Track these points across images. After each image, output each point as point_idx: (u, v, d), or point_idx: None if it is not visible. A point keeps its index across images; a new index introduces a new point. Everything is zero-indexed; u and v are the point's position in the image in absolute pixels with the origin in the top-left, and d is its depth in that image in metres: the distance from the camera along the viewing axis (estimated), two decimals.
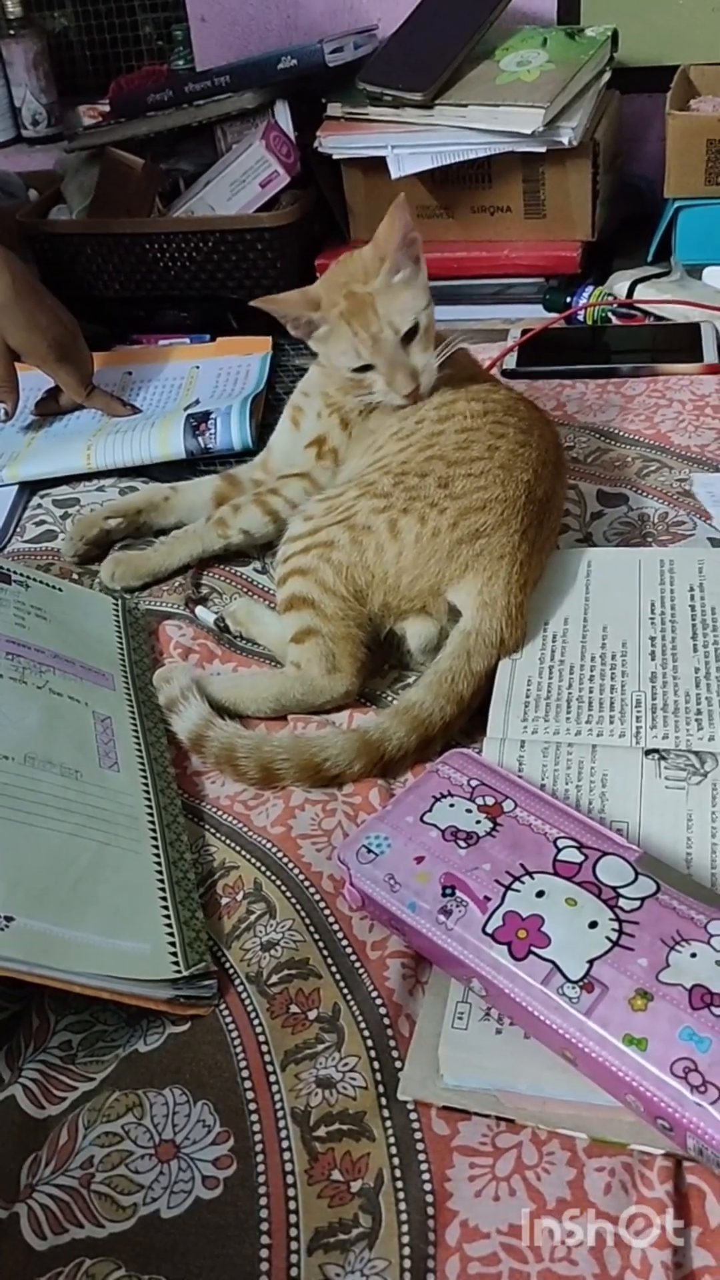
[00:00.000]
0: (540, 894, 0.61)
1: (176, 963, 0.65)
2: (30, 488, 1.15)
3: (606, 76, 1.40)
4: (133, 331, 1.44)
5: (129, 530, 1.05)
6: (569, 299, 1.37)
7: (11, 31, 1.72)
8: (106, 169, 1.44)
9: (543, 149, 1.31)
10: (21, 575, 0.90)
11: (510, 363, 1.25)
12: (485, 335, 1.31)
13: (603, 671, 0.79)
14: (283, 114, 1.40)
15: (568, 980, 0.57)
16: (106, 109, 1.71)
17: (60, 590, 0.92)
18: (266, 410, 1.21)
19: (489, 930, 0.60)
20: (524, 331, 1.29)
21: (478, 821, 0.66)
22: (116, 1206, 0.57)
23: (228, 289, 1.43)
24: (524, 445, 0.89)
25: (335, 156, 1.40)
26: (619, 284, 1.34)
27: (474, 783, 0.69)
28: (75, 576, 1.01)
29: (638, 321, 1.33)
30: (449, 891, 0.63)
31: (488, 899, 0.62)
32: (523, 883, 0.62)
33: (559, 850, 0.63)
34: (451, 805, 0.67)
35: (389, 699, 0.86)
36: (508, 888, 0.62)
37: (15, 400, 1.20)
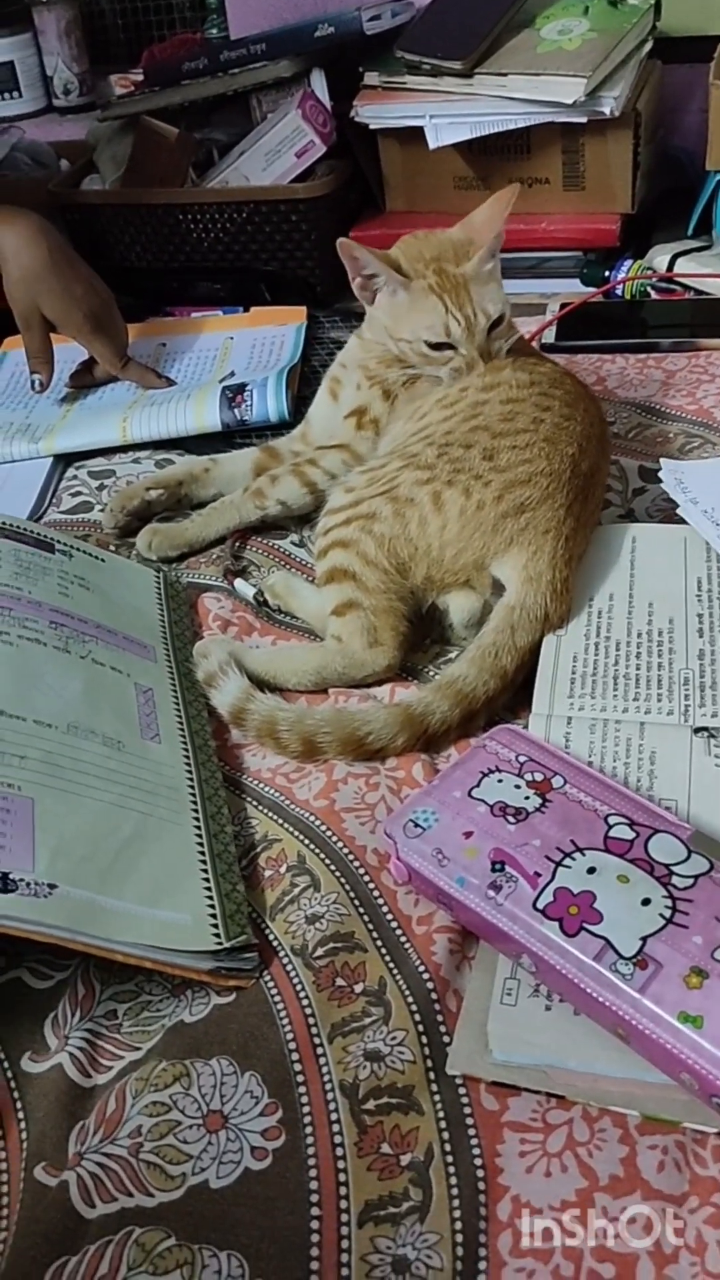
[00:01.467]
0: (591, 870, 0.61)
1: (218, 934, 0.65)
2: (66, 460, 1.14)
3: (648, 46, 1.37)
4: (165, 304, 1.43)
5: (169, 502, 1.04)
6: (607, 273, 1.35)
7: (43, 0, 1.70)
8: (140, 138, 1.43)
9: (583, 119, 1.29)
10: (65, 545, 0.89)
11: (549, 337, 1.23)
12: (521, 310, 1.29)
13: (649, 649, 0.78)
14: (319, 83, 1.39)
15: (621, 957, 0.57)
16: (138, 78, 1.69)
17: (103, 561, 0.92)
18: (301, 383, 1.20)
19: (540, 906, 0.60)
20: (562, 305, 1.28)
21: (526, 797, 0.65)
22: (165, 1176, 0.57)
23: (261, 261, 1.42)
24: (569, 419, 0.88)
25: (372, 126, 1.39)
26: (659, 258, 1.32)
27: (522, 758, 0.68)
28: (113, 548, 1.00)
29: (677, 296, 1.31)
30: (499, 867, 0.62)
31: (538, 875, 0.61)
32: (574, 859, 0.61)
33: (610, 827, 0.63)
34: (500, 781, 0.67)
35: (430, 673, 0.85)
36: (558, 864, 0.61)
37: (50, 372, 1.19)
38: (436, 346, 0.93)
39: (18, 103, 1.78)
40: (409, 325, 0.93)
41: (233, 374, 1.22)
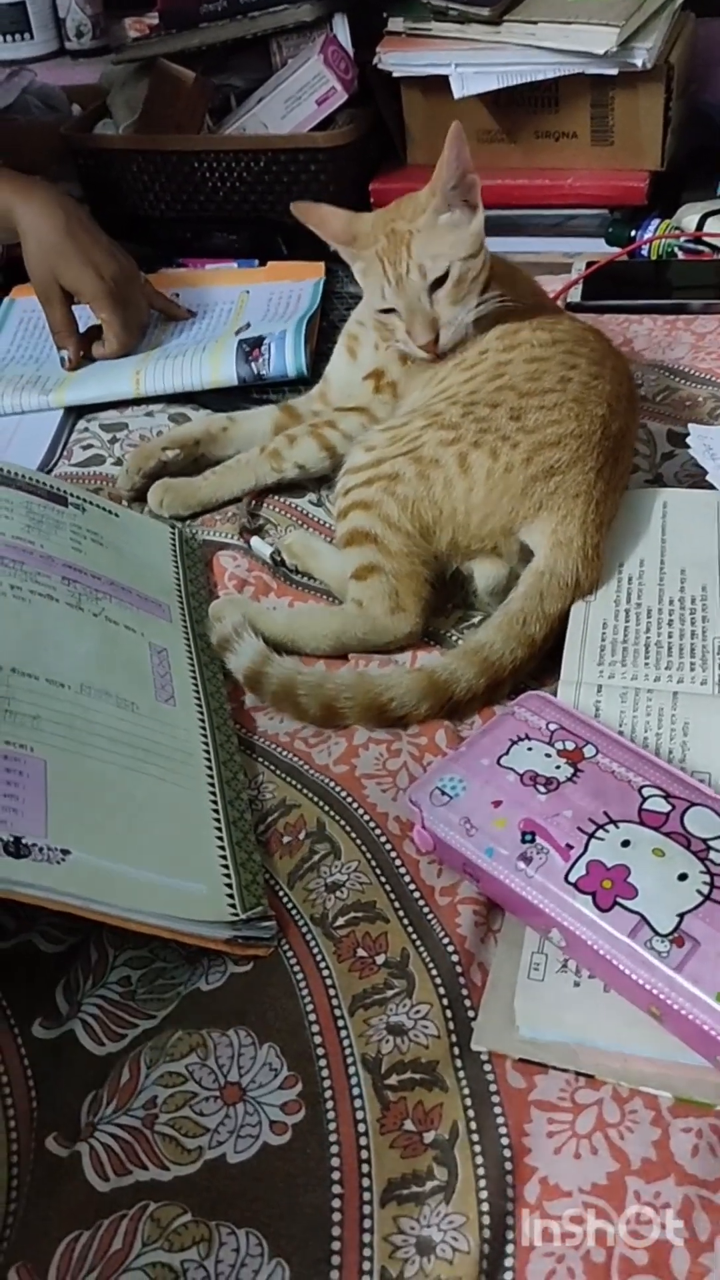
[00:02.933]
0: (626, 843, 0.59)
1: (233, 904, 0.63)
2: (77, 412, 1.11)
3: None
4: (178, 254, 1.39)
5: (186, 461, 1.01)
6: (633, 232, 1.31)
7: None
8: (155, 82, 1.39)
9: (614, 71, 1.25)
10: (78, 498, 0.87)
11: (575, 296, 1.20)
12: (544, 269, 1.26)
13: (682, 616, 0.75)
14: (342, 28, 1.34)
15: (656, 934, 0.55)
16: (153, 21, 1.64)
17: (116, 515, 0.89)
18: (320, 338, 1.17)
19: (572, 879, 0.58)
20: (588, 264, 1.24)
21: (558, 766, 0.63)
22: (181, 1149, 0.55)
23: (278, 212, 1.37)
24: (597, 378, 0.85)
25: (395, 74, 1.34)
26: (688, 217, 1.28)
27: (552, 726, 0.66)
28: (125, 504, 0.97)
29: (706, 257, 1.27)
30: (529, 838, 0.60)
31: (570, 847, 0.59)
32: (607, 831, 0.59)
33: (644, 799, 0.61)
34: (530, 749, 0.65)
35: (453, 638, 0.83)
36: (591, 836, 0.59)
37: (77, 346, 1.14)
38: (385, 312, 0.90)
39: (29, 45, 1.73)
40: (367, 293, 0.91)
41: (249, 325, 1.18)
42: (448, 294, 0.88)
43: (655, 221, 1.31)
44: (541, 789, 0.62)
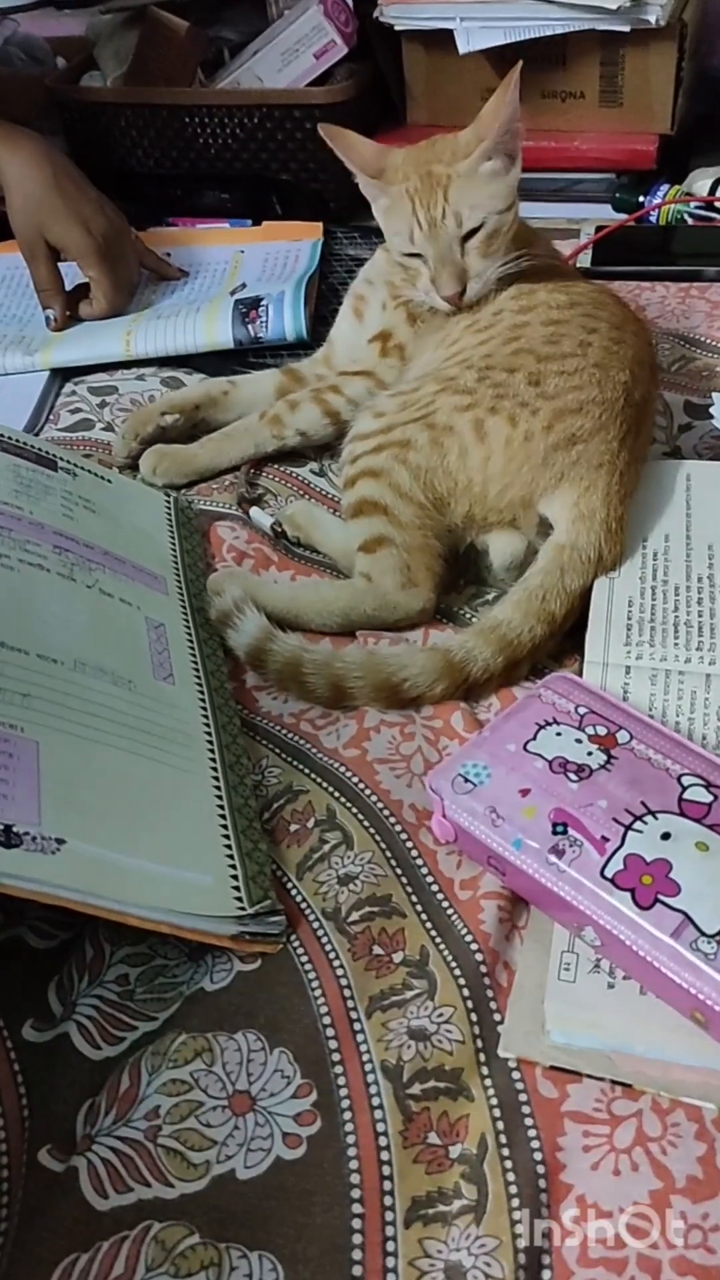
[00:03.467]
0: (666, 836, 0.55)
1: (240, 898, 0.59)
2: (64, 374, 1.06)
3: None
4: (168, 213, 1.34)
5: (185, 427, 0.96)
6: (641, 198, 1.27)
7: None
8: (146, 32, 1.33)
9: (626, 28, 1.20)
10: (69, 463, 0.82)
11: (584, 261, 1.15)
12: (551, 236, 1.21)
13: (712, 594, 0.72)
14: None
15: (702, 934, 0.51)
16: None
17: (109, 481, 0.84)
18: (319, 302, 1.12)
19: (608, 874, 0.54)
20: (598, 229, 1.20)
21: (589, 753, 0.59)
22: (187, 1164, 0.51)
23: (272, 170, 1.33)
24: (618, 342, 0.81)
25: (397, 28, 1.29)
26: (700, 182, 1.24)
27: (582, 710, 0.62)
28: (117, 470, 0.92)
29: (718, 223, 1.23)
30: (561, 829, 0.56)
31: (605, 839, 0.55)
32: (645, 823, 0.55)
33: (684, 788, 0.57)
34: (559, 734, 0.61)
35: (467, 615, 0.79)
36: (628, 828, 0.55)
37: (63, 304, 1.09)
38: (410, 256, 0.85)
39: None
40: (390, 234, 0.86)
41: (244, 285, 1.13)
42: (479, 246, 0.84)
43: (665, 187, 1.27)
44: (573, 777, 0.58)
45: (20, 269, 1.10)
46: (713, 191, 1.23)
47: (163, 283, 1.16)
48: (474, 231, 0.83)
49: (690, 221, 1.25)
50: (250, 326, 1.04)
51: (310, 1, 1.28)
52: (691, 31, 1.27)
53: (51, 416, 1.01)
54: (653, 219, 1.25)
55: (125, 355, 1.05)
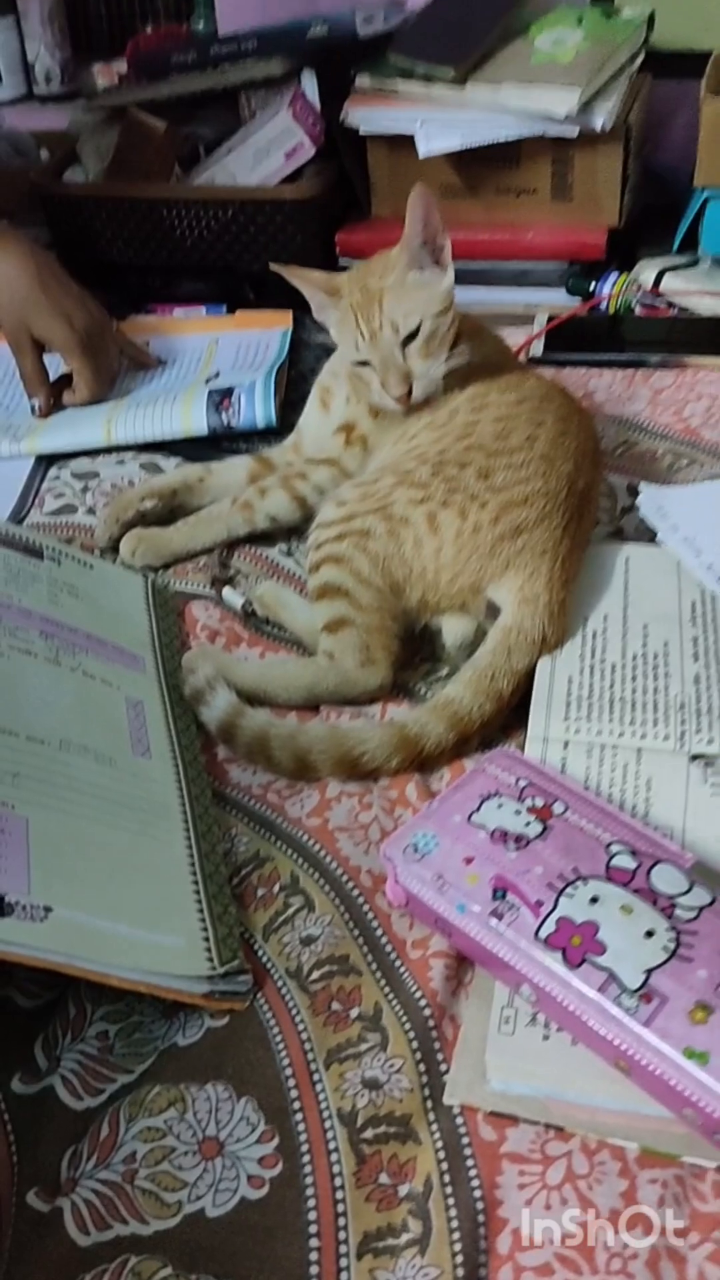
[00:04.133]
0: (594, 900, 0.61)
1: (210, 958, 0.65)
2: (48, 460, 1.12)
3: (640, 59, 1.37)
4: (147, 300, 1.41)
5: (164, 511, 1.02)
6: (592, 286, 1.35)
7: None
8: (126, 131, 1.41)
9: (574, 132, 1.29)
10: (54, 550, 0.88)
11: (537, 350, 1.23)
12: (507, 320, 1.29)
13: (645, 672, 0.78)
14: (310, 83, 1.37)
15: (625, 990, 0.57)
16: (121, 69, 1.67)
17: (91, 567, 0.90)
18: (288, 388, 1.19)
19: (542, 936, 0.60)
20: (550, 318, 1.28)
21: (527, 824, 0.65)
22: (161, 1204, 0.56)
23: (245, 261, 1.40)
24: (563, 434, 0.88)
25: (362, 131, 1.37)
26: (646, 273, 1.32)
27: (522, 783, 0.68)
28: (98, 553, 0.99)
29: (663, 312, 1.31)
30: (500, 894, 0.62)
31: (540, 903, 0.61)
32: (576, 888, 0.61)
33: (612, 855, 0.63)
34: (500, 806, 0.67)
35: (422, 691, 0.85)
36: (560, 892, 0.61)
37: (48, 395, 1.15)
38: (360, 364, 0.92)
39: None
40: (341, 346, 0.94)
41: (218, 374, 1.20)
42: (419, 348, 0.91)
43: (614, 275, 1.35)
44: (512, 846, 0.64)
45: (6, 361, 1.17)
46: (658, 281, 1.31)
47: (142, 371, 1.23)
48: (412, 336, 0.91)
49: (638, 309, 1.33)
50: (223, 415, 1.11)
51: (281, 105, 1.36)
52: (636, 133, 1.36)
53: (37, 500, 1.07)
54: (603, 307, 1.34)
55: (106, 441, 1.12)
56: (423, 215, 0.90)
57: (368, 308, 0.91)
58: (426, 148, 1.33)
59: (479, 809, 0.67)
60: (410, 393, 0.91)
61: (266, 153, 1.37)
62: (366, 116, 1.36)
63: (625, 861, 0.63)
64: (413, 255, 0.91)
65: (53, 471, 1.11)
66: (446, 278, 0.93)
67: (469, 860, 0.64)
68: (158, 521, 1.02)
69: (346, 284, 0.94)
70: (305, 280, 0.94)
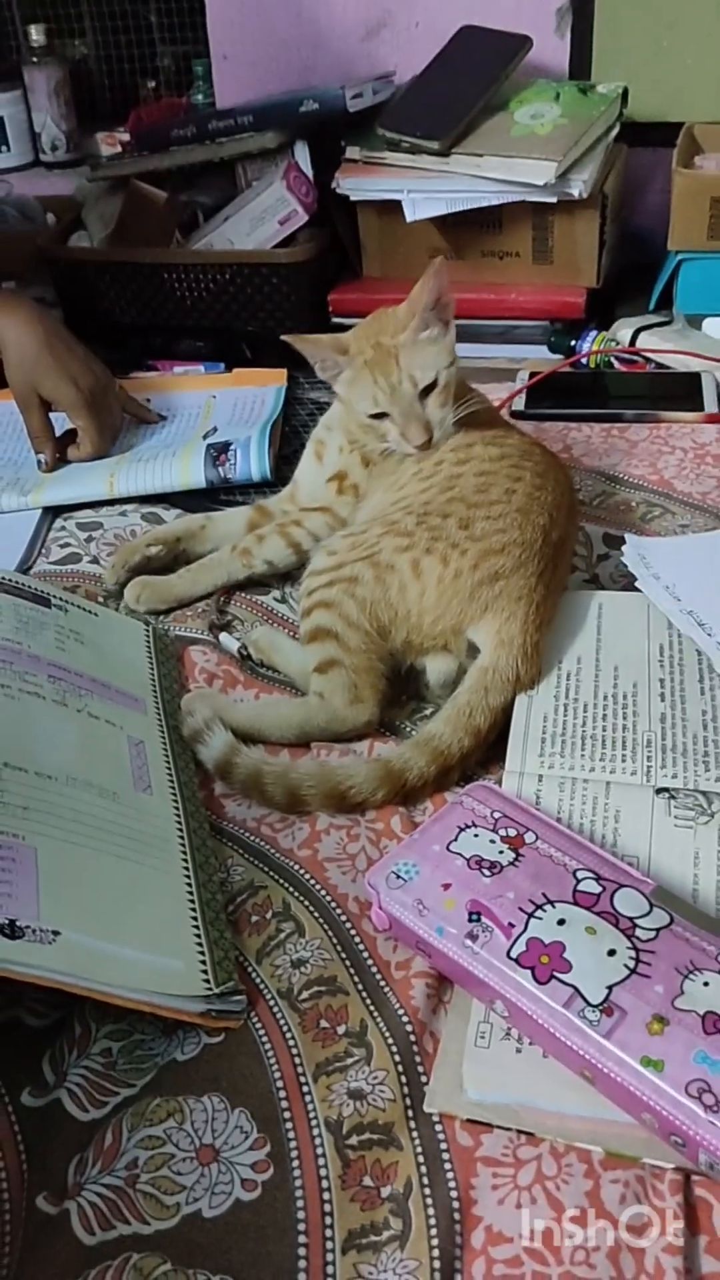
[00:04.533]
0: (561, 922, 0.66)
1: (207, 980, 0.69)
2: (54, 511, 1.19)
3: (616, 131, 1.45)
4: (149, 358, 1.48)
5: (168, 558, 1.08)
6: (573, 343, 1.42)
7: (34, 59, 1.76)
8: (129, 200, 1.48)
9: (553, 199, 1.36)
10: (60, 599, 0.94)
11: (519, 404, 1.30)
12: (492, 375, 1.36)
13: (615, 711, 0.83)
14: (302, 154, 1.45)
15: (588, 1004, 0.61)
16: (124, 137, 1.75)
17: (95, 615, 0.96)
18: (282, 442, 1.25)
19: (513, 955, 0.64)
20: (532, 374, 1.34)
21: (501, 852, 0.70)
22: (160, 1205, 0.60)
23: (242, 321, 1.47)
24: (540, 489, 0.94)
25: (352, 198, 1.45)
26: (623, 331, 1.39)
27: (496, 814, 0.73)
28: (102, 599, 1.04)
29: (640, 368, 1.38)
30: (475, 917, 0.67)
31: (512, 925, 0.66)
32: (545, 911, 0.66)
33: (578, 881, 0.68)
34: (476, 835, 0.72)
35: (407, 729, 0.90)
36: (531, 915, 0.66)
37: (54, 450, 1.22)
38: (375, 417, 0.98)
39: (5, 157, 1.83)
40: (354, 401, 0.99)
41: (215, 429, 1.27)
42: (436, 399, 0.98)
43: (593, 333, 1.42)
44: (486, 872, 0.69)
45: (15, 417, 1.24)
46: (634, 339, 1.38)
47: (143, 426, 1.29)
48: (429, 388, 0.97)
49: (617, 365, 1.40)
50: (220, 469, 1.17)
51: (275, 175, 1.44)
52: (613, 199, 1.43)
53: (43, 550, 1.13)
54: (584, 363, 1.40)
55: (109, 494, 1.18)
56: (437, 286, 0.97)
57: (384, 364, 0.97)
58: (413, 213, 1.41)
59: (456, 839, 0.72)
60: (430, 439, 0.97)
61: (261, 220, 1.44)
62: (356, 185, 1.44)
63: (591, 886, 0.67)
64: (424, 319, 0.98)
65: (58, 523, 1.17)
66: (450, 334, 1.00)
67: (447, 886, 0.69)
68: (161, 568, 1.08)
69: (355, 343, 1.00)
70: (315, 345, 1.00)
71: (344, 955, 0.72)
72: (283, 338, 1.00)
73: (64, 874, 0.70)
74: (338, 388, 1.02)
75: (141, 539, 1.09)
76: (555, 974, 0.63)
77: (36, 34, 1.75)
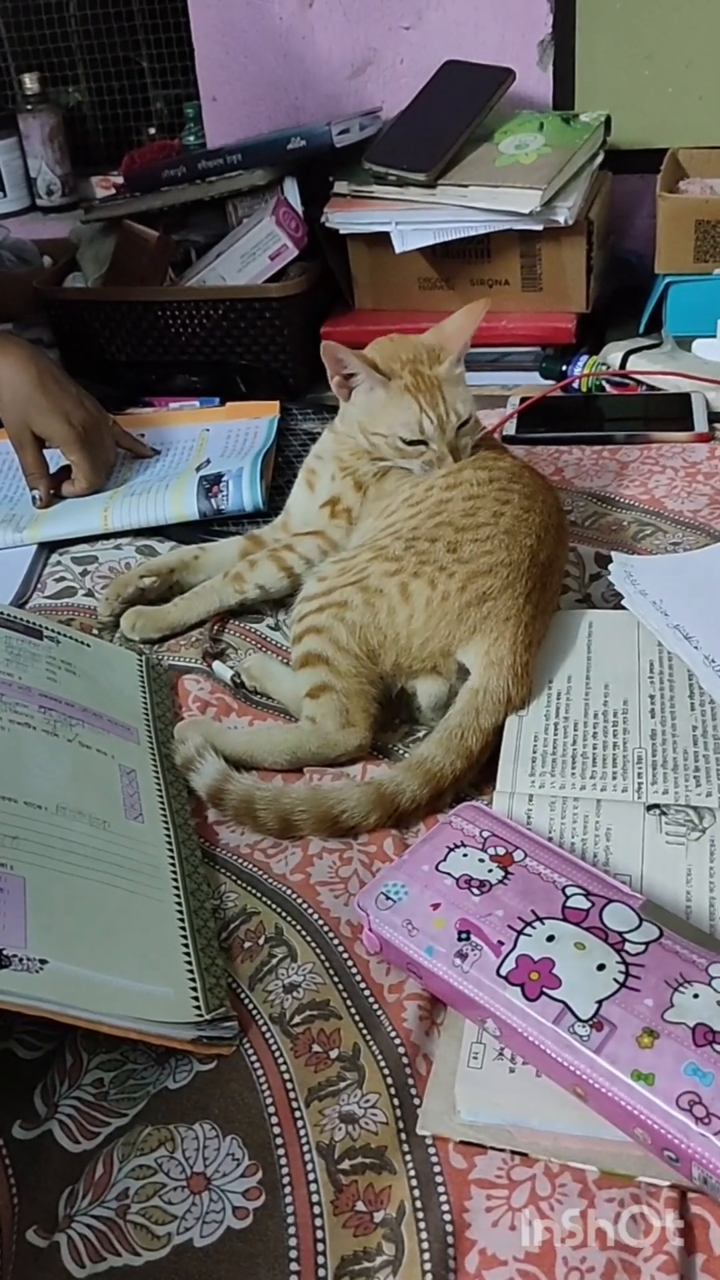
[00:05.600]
0: (551, 938, 0.65)
1: (198, 1006, 0.69)
2: (49, 546, 1.19)
3: (600, 159, 1.47)
4: (144, 394, 1.50)
5: (162, 588, 1.09)
6: (564, 368, 1.43)
7: (29, 106, 1.79)
8: (122, 240, 1.50)
9: (540, 227, 1.38)
10: (53, 631, 0.94)
11: (510, 429, 1.30)
12: (484, 401, 1.36)
13: (605, 729, 0.83)
14: (292, 190, 1.47)
15: (578, 1020, 0.61)
16: (118, 180, 1.78)
17: (88, 646, 0.96)
18: (275, 473, 1.26)
19: (503, 973, 0.64)
20: (523, 399, 1.35)
21: (490, 870, 0.70)
22: (151, 1236, 0.60)
23: (236, 355, 1.49)
24: (528, 511, 0.94)
25: (342, 231, 1.46)
26: (613, 354, 1.40)
27: (485, 834, 0.73)
28: (96, 631, 1.05)
29: (631, 390, 1.38)
30: (464, 936, 0.66)
31: (501, 943, 0.65)
32: (534, 928, 0.66)
33: (567, 897, 0.67)
34: (465, 855, 0.71)
35: (400, 751, 0.90)
36: (520, 932, 0.66)
37: (48, 486, 1.24)
38: (411, 443, 0.99)
39: (2, 202, 1.86)
40: (385, 421, 1.00)
41: (208, 461, 1.28)
42: (469, 431, 1.01)
43: (584, 358, 1.43)
44: (476, 891, 0.69)
45: (10, 455, 1.25)
46: (624, 363, 1.39)
47: (137, 460, 1.30)
48: (465, 422, 1.00)
49: (608, 388, 1.40)
50: (213, 500, 1.18)
51: (265, 212, 1.46)
52: (599, 225, 1.45)
53: (39, 585, 1.14)
54: (575, 387, 1.41)
55: (103, 528, 1.19)
56: (476, 326, 1.01)
57: (430, 395, 0.98)
58: (402, 245, 1.42)
59: (445, 858, 0.71)
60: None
61: (253, 256, 1.46)
62: (345, 219, 1.46)
63: (580, 902, 0.67)
64: (462, 355, 1.01)
65: (54, 558, 1.18)
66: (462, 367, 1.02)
67: (436, 906, 0.69)
68: (156, 599, 1.08)
69: (385, 363, 1.01)
70: (359, 360, 1.00)
71: (336, 979, 0.72)
72: (325, 344, 1.00)
73: (52, 903, 0.70)
74: (354, 405, 1.02)
75: (135, 571, 1.10)
76: (545, 990, 0.62)
77: (30, 82, 1.78)
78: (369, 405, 1.01)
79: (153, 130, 1.87)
